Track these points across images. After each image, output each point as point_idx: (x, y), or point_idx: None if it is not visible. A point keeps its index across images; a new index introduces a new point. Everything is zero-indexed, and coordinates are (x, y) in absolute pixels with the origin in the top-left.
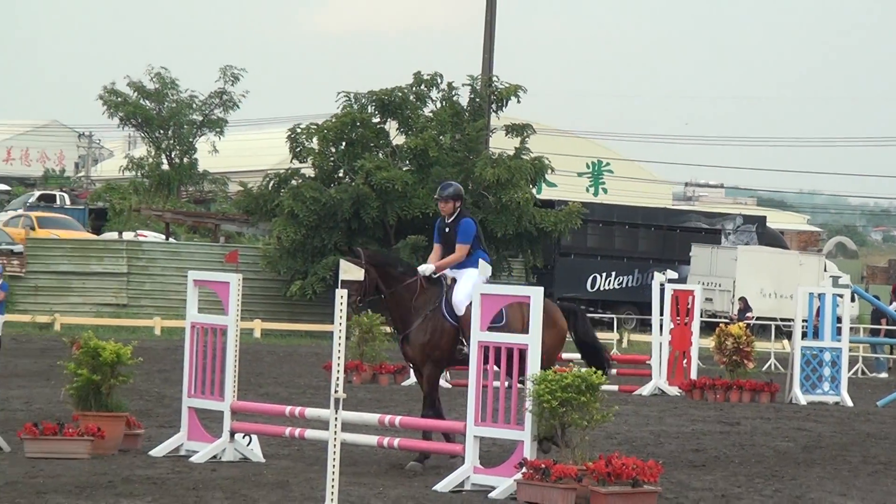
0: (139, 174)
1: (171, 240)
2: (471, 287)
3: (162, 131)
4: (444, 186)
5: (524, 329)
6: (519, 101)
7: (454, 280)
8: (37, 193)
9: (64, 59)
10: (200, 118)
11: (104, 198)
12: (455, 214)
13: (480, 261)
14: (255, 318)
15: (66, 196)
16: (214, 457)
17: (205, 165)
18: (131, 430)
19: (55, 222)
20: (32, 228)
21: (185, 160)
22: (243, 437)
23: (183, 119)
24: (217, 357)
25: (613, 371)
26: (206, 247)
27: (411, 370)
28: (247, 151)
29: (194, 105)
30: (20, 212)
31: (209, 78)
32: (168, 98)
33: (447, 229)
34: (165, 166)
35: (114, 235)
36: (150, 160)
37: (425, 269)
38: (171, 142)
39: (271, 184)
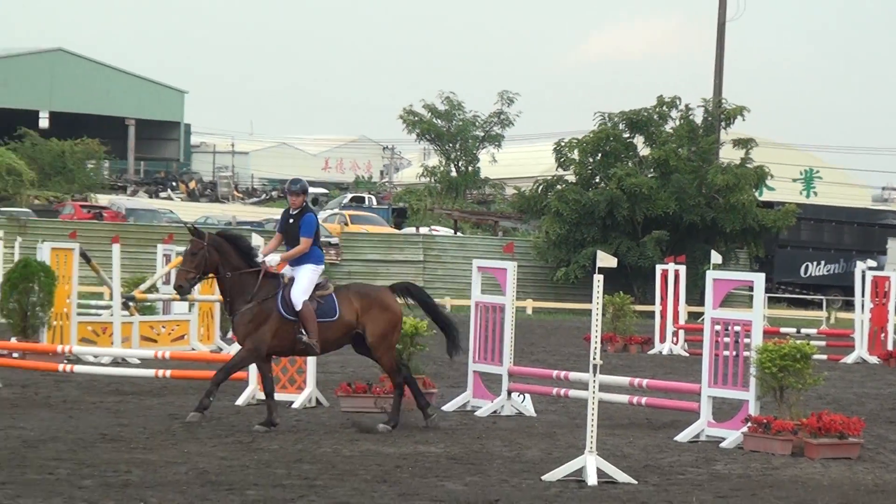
0: (432, 180)
1: (458, 234)
2: (307, 283)
3: (451, 145)
4: (293, 182)
5: (357, 319)
6: (744, 119)
7: (292, 279)
8: (349, 196)
9: (371, 85)
10: (482, 134)
11: (404, 199)
12: (301, 208)
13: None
14: (527, 297)
15: (373, 198)
16: (495, 412)
17: (486, 173)
18: (427, 390)
19: (364, 219)
20: (346, 224)
21: (470, 168)
22: (518, 396)
23: (468, 135)
24: (497, 330)
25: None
26: (487, 239)
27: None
28: (520, 161)
29: (477, 123)
30: (336, 211)
31: (489, 100)
32: (456, 117)
33: (291, 220)
34: (454, 173)
35: (412, 230)
36: (441, 168)
37: (272, 259)
38: (459, 153)
39: (540, 188)
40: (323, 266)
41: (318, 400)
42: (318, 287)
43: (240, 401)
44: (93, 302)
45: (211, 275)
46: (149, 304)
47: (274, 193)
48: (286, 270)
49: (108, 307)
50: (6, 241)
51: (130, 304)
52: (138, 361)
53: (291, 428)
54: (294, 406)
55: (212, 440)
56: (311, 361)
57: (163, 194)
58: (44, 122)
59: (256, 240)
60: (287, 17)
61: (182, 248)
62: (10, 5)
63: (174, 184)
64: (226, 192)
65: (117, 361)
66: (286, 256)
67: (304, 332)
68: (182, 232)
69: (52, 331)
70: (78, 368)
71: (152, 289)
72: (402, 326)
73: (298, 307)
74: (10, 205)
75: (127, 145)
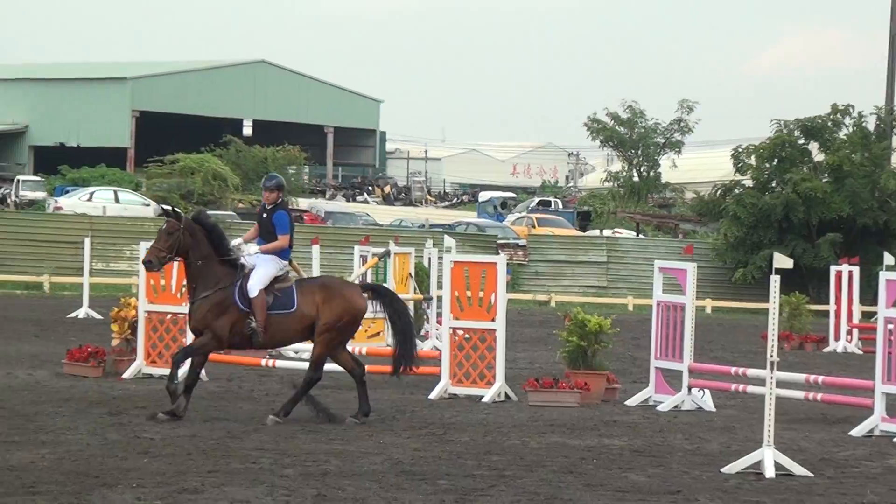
0: (615, 184)
1: (640, 236)
2: (264, 274)
3: (633, 151)
4: (269, 178)
5: (316, 311)
6: None
7: (252, 269)
8: (536, 200)
9: (557, 93)
10: (663, 140)
11: (588, 203)
12: (276, 204)
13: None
14: (706, 297)
15: (558, 202)
16: (675, 406)
17: (666, 178)
18: (611, 385)
19: (550, 222)
20: (533, 227)
21: (651, 174)
22: (698, 391)
23: (649, 141)
24: (677, 328)
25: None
26: (667, 241)
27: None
28: (699, 167)
29: (658, 130)
30: (523, 214)
31: (670, 109)
32: (637, 125)
33: (265, 215)
34: (636, 178)
35: (596, 232)
36: (624, 173)
37: (251, 249)
38: (640, 159)
39: (719, 192)
40: (286, 262)
41: (506, 394)
42: (277, 279)
43: (432, 395)
44: None
45: (180, 258)
46: None
47: (465, 197)
48: (250, 258)
49: None
50: None
51: None
52: None
53: (481, 421)
54: (484, 400)
55: (406, 432)
56: (500, 358)
57: (359, 198)
58: (247, 130)
59: (448, 241)
60: (474, 31)
61: (377, 250)
62: (217, 21)
63: (370, 188)
64: (419, 195)
65: None
66: (266, 248)
67: (252, 318)
68: (379, 233)
69: None
70: (279, 363)
71: None
72: (360, 323)
73: (253, 294)
74: (215, 208)
75: (326, 152)
